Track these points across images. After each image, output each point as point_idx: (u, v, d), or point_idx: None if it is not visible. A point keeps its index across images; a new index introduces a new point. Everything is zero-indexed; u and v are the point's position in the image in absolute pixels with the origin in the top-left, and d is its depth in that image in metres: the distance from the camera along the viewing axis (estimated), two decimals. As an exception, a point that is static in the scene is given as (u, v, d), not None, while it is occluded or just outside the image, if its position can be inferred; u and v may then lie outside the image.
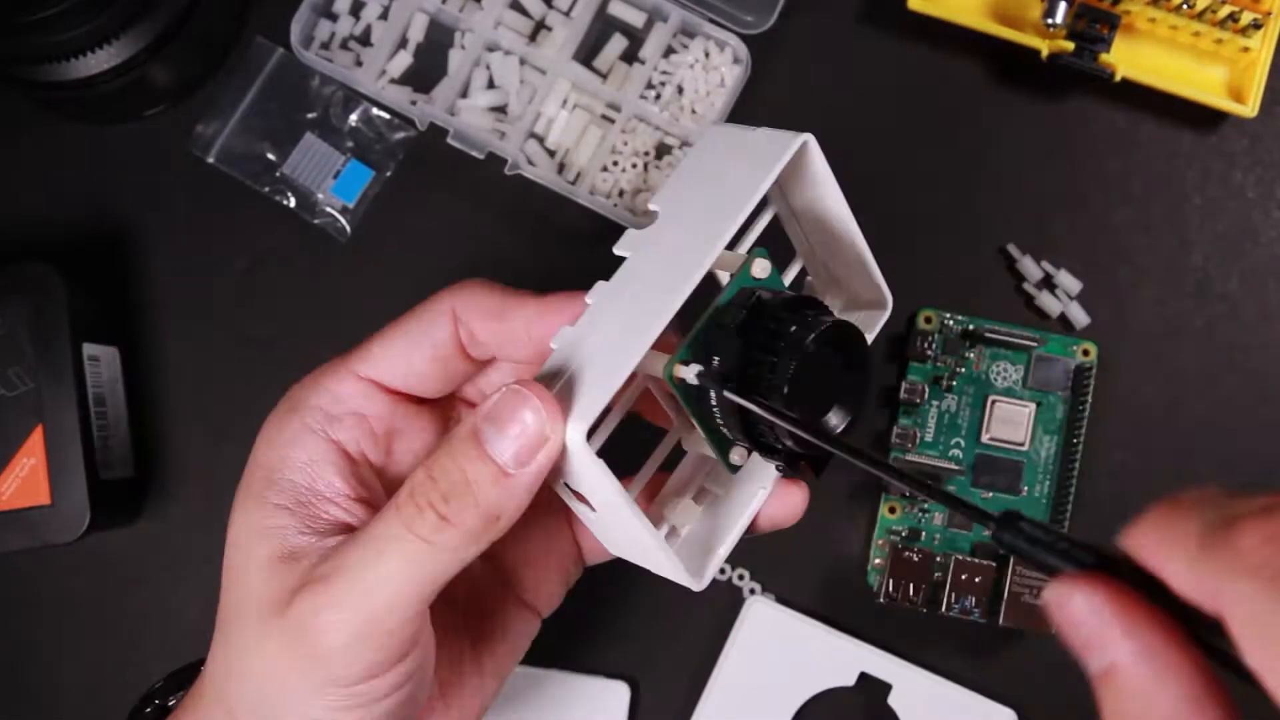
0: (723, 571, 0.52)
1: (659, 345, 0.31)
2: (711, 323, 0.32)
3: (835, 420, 0.33)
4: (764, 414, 0.30)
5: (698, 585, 0.33)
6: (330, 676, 0.31)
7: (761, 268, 0.33)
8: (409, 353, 0.35)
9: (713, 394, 0.32)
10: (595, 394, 0.30)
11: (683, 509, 0.35)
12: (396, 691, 0.32)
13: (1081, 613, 0.23)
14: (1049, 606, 0.24)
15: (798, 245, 0.37)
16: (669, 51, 0.54)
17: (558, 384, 0.31)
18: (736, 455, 0.34)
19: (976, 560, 0.51)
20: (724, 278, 0.33)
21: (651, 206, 0.33)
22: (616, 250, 0.33)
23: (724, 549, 0.35)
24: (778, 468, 0.34)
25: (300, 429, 0.34)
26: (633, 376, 0.31)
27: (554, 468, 0.31)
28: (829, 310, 0.33)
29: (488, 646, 0.37)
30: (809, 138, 0.32)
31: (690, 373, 0.31)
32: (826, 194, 0.34)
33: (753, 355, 0.31)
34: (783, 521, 0.37)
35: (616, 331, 0.31)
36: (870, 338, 0.36)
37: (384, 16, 0.54)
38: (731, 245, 0.33)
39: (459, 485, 0.30)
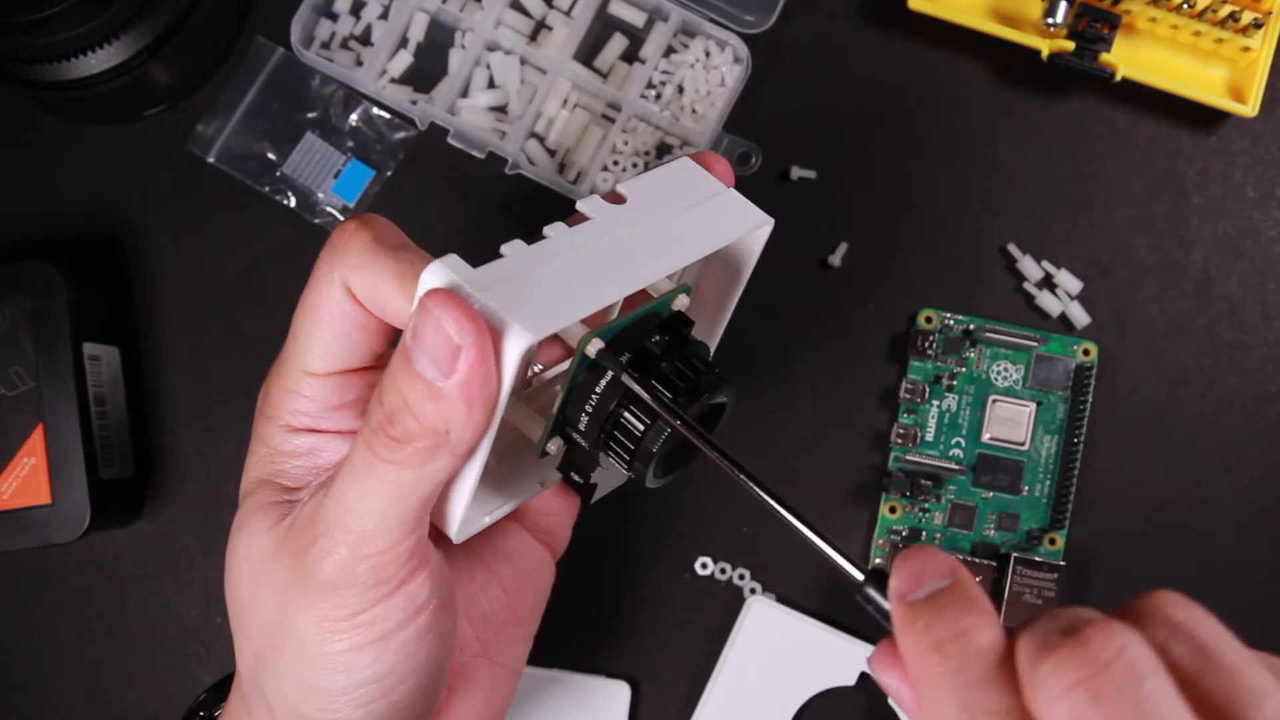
0: (723, 571, 0.52)
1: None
2: (638, 325, 0.33)
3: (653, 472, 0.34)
4: (658, 407, 0.32)
5: (459, 539, 0.34)
6: (331, 606, 0.31)
7: (682, 303, 0.35)
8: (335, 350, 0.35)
9: (603, 383, 0.33)
10: (559, 309, 0.31)
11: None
12: (410, 624, 0.32)
13: (894, 683, 0.28)
14: (871, 663, 0.29)
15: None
16: (669, 51, 0.54)
17: (499, 289, 0.31)
18: (554, 444, 0.35)
19: (977, 560, 0.51)
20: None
21: (622, 190, 0.35)
22: (580, 205, 0.34)
23: (490, 519, 0.35)
24: (570, 475, 0.36)
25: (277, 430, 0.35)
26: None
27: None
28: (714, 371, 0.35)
29: (518, 593, 0.38)
30: (771, 223, 0.36)
31: (594, 348, 0.32)
32: (749, 264, 0.37)
33: (663, 382, 0.33)
34: (547, 526, 0.39)
35: (583, 272, 0.32)
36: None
37: (384, 16, 0.54)
38: None
39: (399, 406, 0.30)
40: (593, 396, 0.33)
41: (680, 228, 0.34)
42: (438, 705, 0.36)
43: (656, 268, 0.33)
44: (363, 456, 0.31)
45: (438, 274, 0.31)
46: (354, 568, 0.31)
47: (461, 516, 0.33)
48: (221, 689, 0.40)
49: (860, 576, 0.29)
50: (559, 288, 0.31)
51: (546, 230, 0.33)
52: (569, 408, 0.34)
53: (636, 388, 0.32)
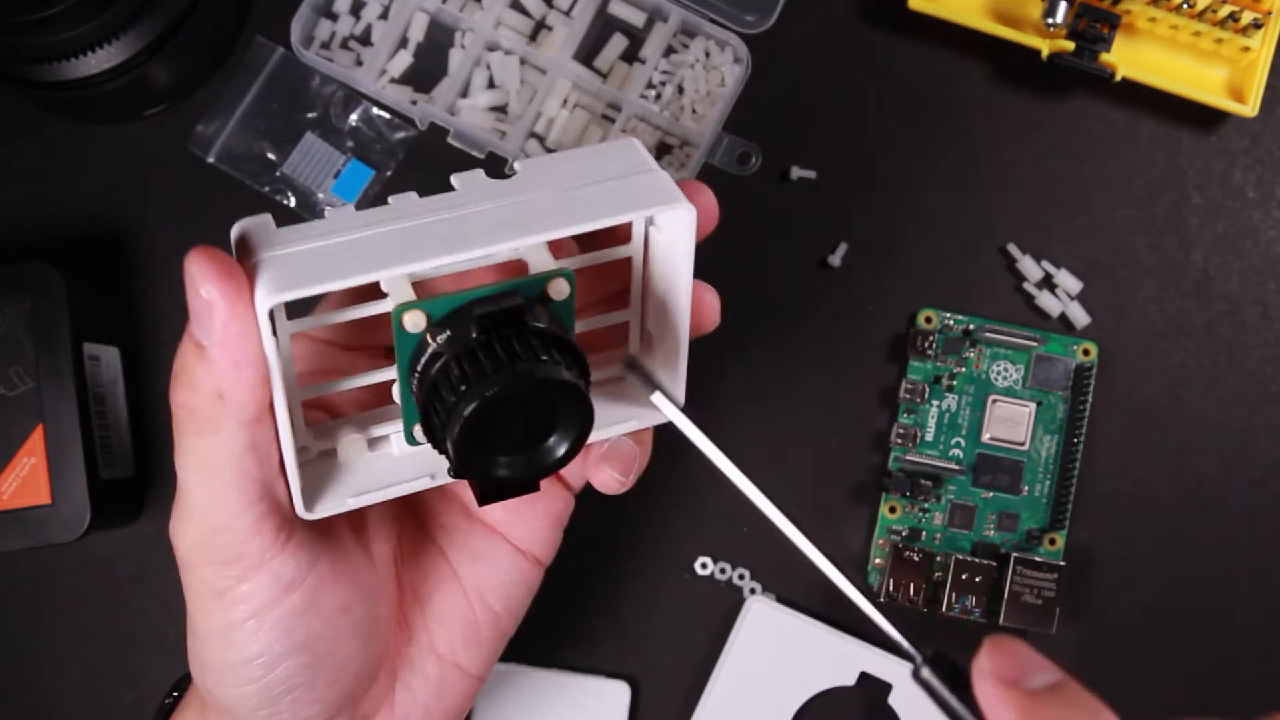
0: (723, 571, 0.52)
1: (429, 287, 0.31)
2: (470, 300, 0.30)
3: (503, 469, 0.32)
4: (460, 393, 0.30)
5: (306, 514, 0.32)
6: (198, 582, 0.32)
7: (557, 289, 0.31)
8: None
9: (425, 361, 0.30)
10: (312, 274, 0.28)
11: (350, 442, 0.34)
12: (282, 602, 0.32)
13: None
14: None
15: (634, 292, 0.35)
16: (669, 51, 0.54)
17: (288, 249, 0.29)
18: (420, 431, 0.32)
19: (977, 560, 0.51)
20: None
21: (518, 165, 0.32)
22: (452, 178, 0.32)
23: (356, 501, 0.33)
24: (450, 469, 0.32)
25: None
26: (375, 294, 0.30)
27: None
28: (581, 363, 0.31)
29: (483, 597, 0.38)
30: (693, 210, 0.31)
31: (412, 323, 0.30)
32: (681, 267, 0.33)
33: (470, 361, 0.29)
34: (525, 535, 0.38)
35: (389, 240, 0.29)
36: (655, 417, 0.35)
37: (384, 16, 0.54)
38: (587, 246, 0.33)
39: (178, 370, 0.30)
40: (414, 375, 0.31)
41: (567, 202, 0.30)
42: (377, 690, 0.36)
43: (497, 237, 0.29)
44: (175, 431, 0.31)
45: (238, 228, 0.30)
46: (207, 542, 0.31)
47: (297, 490, 0.31)
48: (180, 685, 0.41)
49: (917, 656, 0.28)
50: (357, 252, 0.29)
51: (390, 198, 0.31)
52: (412, 396, 0.31)
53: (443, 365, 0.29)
